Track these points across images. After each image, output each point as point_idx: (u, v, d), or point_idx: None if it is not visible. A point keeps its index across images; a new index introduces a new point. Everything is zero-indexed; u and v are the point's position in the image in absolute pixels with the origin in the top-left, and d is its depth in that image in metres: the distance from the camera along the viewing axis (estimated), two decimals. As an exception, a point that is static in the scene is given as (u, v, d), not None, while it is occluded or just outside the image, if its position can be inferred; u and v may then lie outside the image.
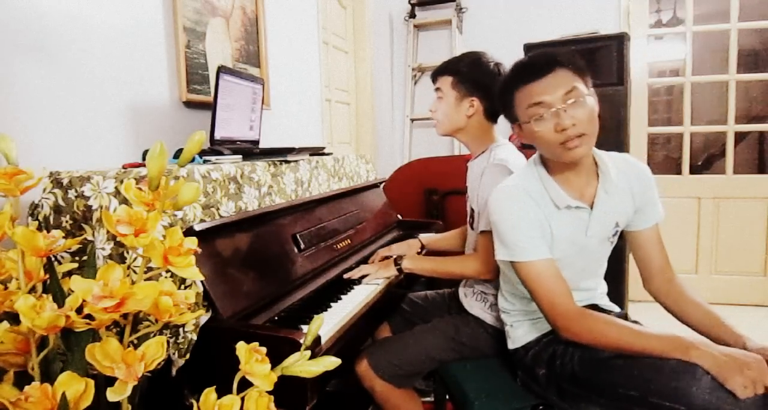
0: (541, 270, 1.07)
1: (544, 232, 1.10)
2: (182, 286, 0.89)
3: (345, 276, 1.39)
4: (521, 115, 1.09)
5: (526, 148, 1.47)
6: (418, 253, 1.65)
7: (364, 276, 1.39)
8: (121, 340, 0.62)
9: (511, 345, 1.24)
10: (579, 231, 1.13)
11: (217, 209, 1.07)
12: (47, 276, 0.70)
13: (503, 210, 1.10)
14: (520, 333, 1.22)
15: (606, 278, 1.31)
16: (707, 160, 3.84)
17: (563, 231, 1.12)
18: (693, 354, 0.89)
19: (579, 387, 1.05)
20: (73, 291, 0.60)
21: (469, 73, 1.40)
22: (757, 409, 0.83)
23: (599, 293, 1.27)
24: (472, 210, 1.43)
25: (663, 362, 0.92)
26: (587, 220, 1.12)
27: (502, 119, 1.47)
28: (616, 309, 1.26)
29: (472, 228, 1.44)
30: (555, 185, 1.11)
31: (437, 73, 1.46)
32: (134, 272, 0.82)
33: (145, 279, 0.65)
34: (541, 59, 1.08)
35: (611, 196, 1.12)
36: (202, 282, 0.93)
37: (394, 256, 1.46)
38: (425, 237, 1.72)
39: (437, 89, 1.46)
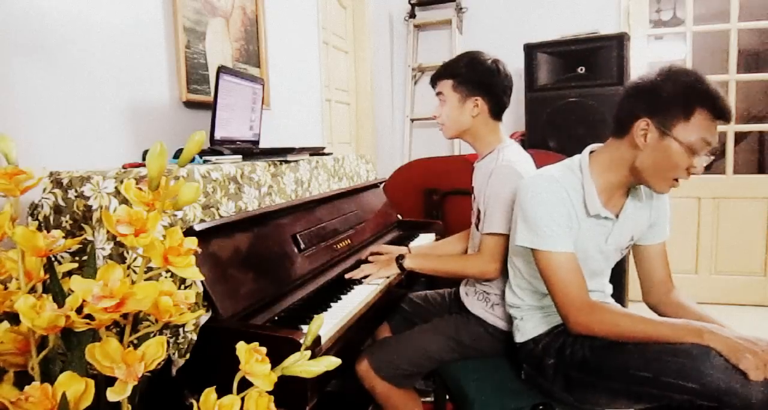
0: (563, 261, 1.08)
1: (571, 228, 1.12)
2: (182, 286, 0.89)
3: (346, 276, 1.39)
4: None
5: (530, 148, 1.47)
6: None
7: (365, 276, 1.39)
8: (121, 340, 0.62)
9: (520, 338, 1.24)
10: (600, 238, 1.15)
11: (217, 209, 1.07)
12: (47, 276, 0.69)
13: (539, 196, 1.11)
14: (531, 325, 1.22)
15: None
16: (707, 160, 3.84)
17: (586, 235, 1.14)
18: (706, 338, 0.91)
19: (589, 373, 1.06)
20: (73, 291, 0.60)
21: (468, 74, 1.40)
22: None
23: (605, 294, 1.29)
24: (479, 210, 1.43)
25: (676, 344, 0.94)
26: (610, 229, 1.15)
27: (506, 117, 1.47)
28: (618, 307, 1.28)
29: (477, 229, 1.44)
30: (594, 192, 1.12)
31: (436, 77, 1.46)
32: (134, 272, 0.82)
33: (145, 279, 0.65)
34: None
35: (637, 209, 1.15)
36: (202, 282, 0.93)
37: (396, 255, 1.46)
38: (415, 247, 1.69)
39: (439, 93, 1.45)
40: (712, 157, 1.04)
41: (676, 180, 1.05)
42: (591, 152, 1.17)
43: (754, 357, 0.86)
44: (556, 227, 1.09)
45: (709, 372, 0.87)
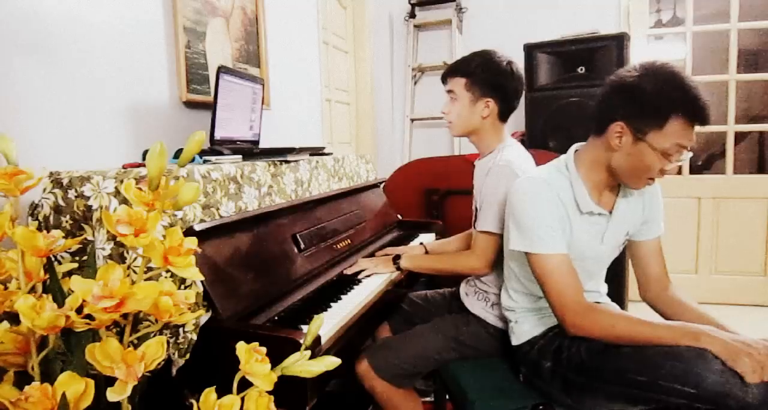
0: (556, 264, 1.08)
1: (564, 229, 1.11)
2: (182, 286, 0.89)
3: (345, 271, 1.40)
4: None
5: (530, 148, 1.48)
6: None
7: (362, 273, 1.40)
8: (121, 340, 0.62)
9: (516, 341, 1.24)
10: (595, 237, 1.15)
11: (217, 209, 1.07)
12: (47, 276, 0.69)
13: (528, 200, 1.11)
14: (526, 327, 1.22)
15: (605, 279, 1.32)
16: (707, 160, 3.84)
17: (581, 235, 1.13)
18: (703, 340, 0.91)
19: (586, 376, 1.05)
20: (73, 291, 0.60)
21: (482, 75, 1.38)
22: (766, 393, 0.84)
23: (600, 294, 1.29)
24: (476, 208, 1.43)
25: (673, 347, 0.93)
26: (605, 226, 1.15)
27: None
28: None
29: (475, 227, 1.45)
30: (583, 189, 1.12)
31: (448, 74, 1.44)
32: (134, 272, 0.82)
33: (145, 279, 0.65)
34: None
35: (629, 204, 1.15)
36: (202, 282, 0.93)
37: (394, 255, 1.47)
38: (429, 243, 1.72)
39: (449, 91, 1.43)
40: (690, 154, 1.05)
41: (651, 179, 1.06)
42: (576, 151, 1.18)
43: (751, 360, 0.85)
44: (549, 229, 1.09)
45: (706, 375, 0.87)
